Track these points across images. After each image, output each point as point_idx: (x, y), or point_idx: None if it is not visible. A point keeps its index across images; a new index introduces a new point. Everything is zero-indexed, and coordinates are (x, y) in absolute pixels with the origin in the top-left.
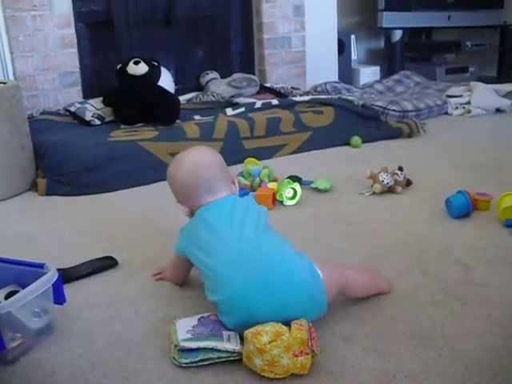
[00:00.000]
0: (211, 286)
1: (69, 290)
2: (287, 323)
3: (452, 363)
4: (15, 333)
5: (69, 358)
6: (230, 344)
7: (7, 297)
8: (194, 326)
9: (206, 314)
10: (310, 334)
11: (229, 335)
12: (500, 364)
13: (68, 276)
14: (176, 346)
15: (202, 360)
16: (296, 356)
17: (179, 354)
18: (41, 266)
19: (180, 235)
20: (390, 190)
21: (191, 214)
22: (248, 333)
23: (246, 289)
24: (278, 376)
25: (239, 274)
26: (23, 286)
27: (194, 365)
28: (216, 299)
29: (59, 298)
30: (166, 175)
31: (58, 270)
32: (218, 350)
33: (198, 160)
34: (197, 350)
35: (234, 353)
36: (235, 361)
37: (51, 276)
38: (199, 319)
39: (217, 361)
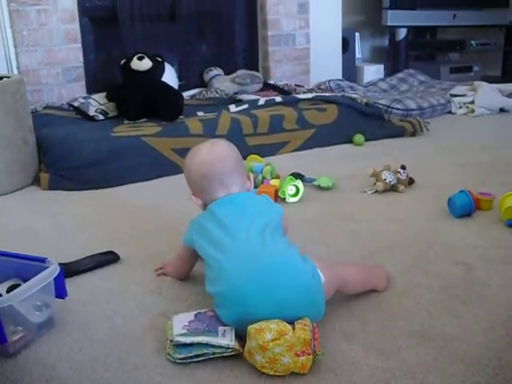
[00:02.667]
0: (212, 277)
1: (70, 284)
2: (291, 322)
3: (452, 362)
4: (17, 326)
5: (70, 351)
6: (224, 339)
7: (9, 290)
8: (190, 322)
9: (203, 310)
10: (313, 335)
11: (224, 330)
12: (500, 363)
13: (70, 270)
14: (171, 341)
15: (196, 355)
16: (297, 355)
17: (174, 350)
18: (42, 260)
19: (189, 227)
20: (392, 189)
21: (204, 206)
22: (252, 328)
23: (243, 284)
24: (278, 373)
25: (240, 270)
26: (25, 280)
27: (189, 360)
28: (213, 291)
29: (61, 292)
30: (184, 165)
31: (60, 264)
32: (213, 346)
33: (213, 151)
34: (191, 345)
35: (228, 348)
36: (236, 356)
37: (53, 270)
38: (196, 315)
39: (212, 356)
